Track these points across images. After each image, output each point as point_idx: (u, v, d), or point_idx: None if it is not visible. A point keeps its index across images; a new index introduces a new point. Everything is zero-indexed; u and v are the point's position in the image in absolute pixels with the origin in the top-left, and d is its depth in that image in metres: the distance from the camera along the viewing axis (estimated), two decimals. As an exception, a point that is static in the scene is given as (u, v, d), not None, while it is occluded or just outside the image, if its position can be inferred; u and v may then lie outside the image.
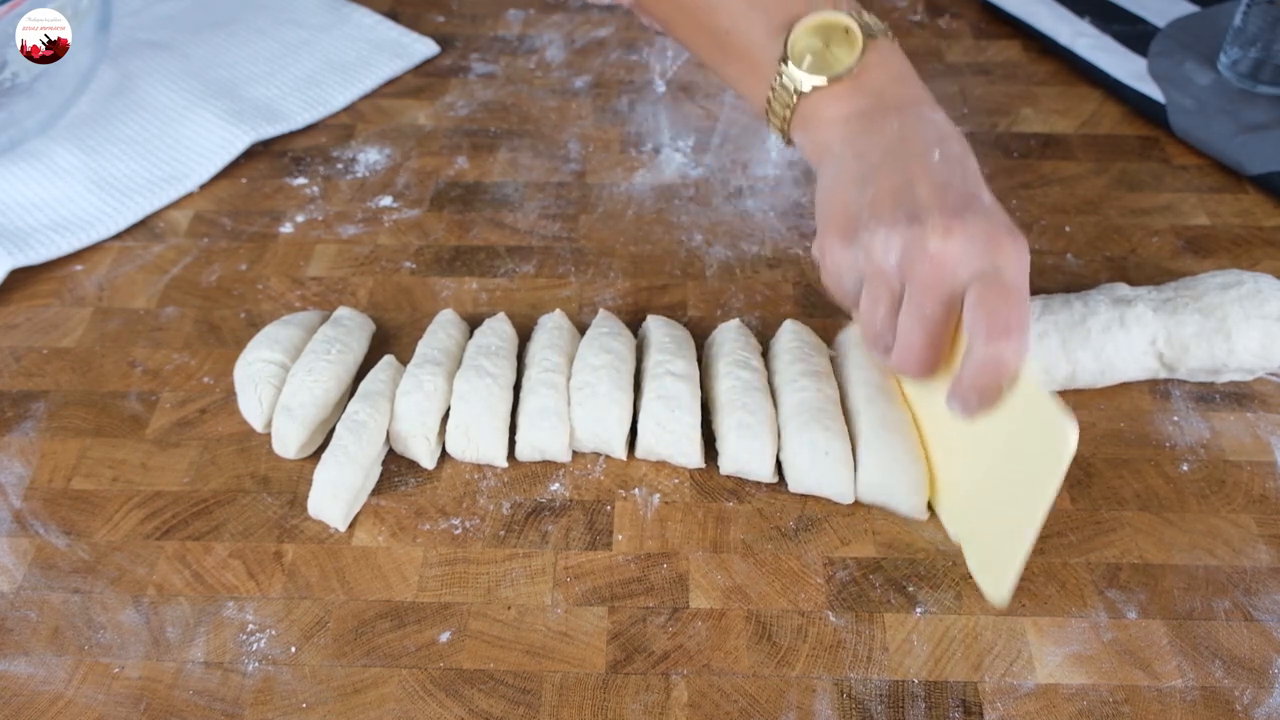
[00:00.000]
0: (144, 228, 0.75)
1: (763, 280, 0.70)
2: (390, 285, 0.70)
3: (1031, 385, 0.46)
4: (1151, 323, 0.59)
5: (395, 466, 0.59)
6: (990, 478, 0.51)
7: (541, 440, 0.57)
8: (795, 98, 0.53)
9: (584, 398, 0.58)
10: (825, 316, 0.67)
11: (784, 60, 0.53)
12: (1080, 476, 0.57)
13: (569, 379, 0.59)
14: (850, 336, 0.62)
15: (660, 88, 0.87)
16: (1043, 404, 0.46)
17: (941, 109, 0.53)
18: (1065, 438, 0.44)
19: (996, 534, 0.51)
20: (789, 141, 0.56)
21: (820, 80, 0.52)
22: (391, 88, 0.88)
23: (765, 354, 0.63)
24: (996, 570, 0.50)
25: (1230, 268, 0.64)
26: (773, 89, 0.54)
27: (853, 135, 0.52)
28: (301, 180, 0.78)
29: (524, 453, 0.58)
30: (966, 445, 0.53)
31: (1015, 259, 0.47)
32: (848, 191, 0.51)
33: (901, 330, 0.49)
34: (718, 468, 0.58)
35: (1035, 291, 0.68)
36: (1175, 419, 0.60)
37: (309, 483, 0.56)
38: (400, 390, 0.59)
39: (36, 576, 0.54)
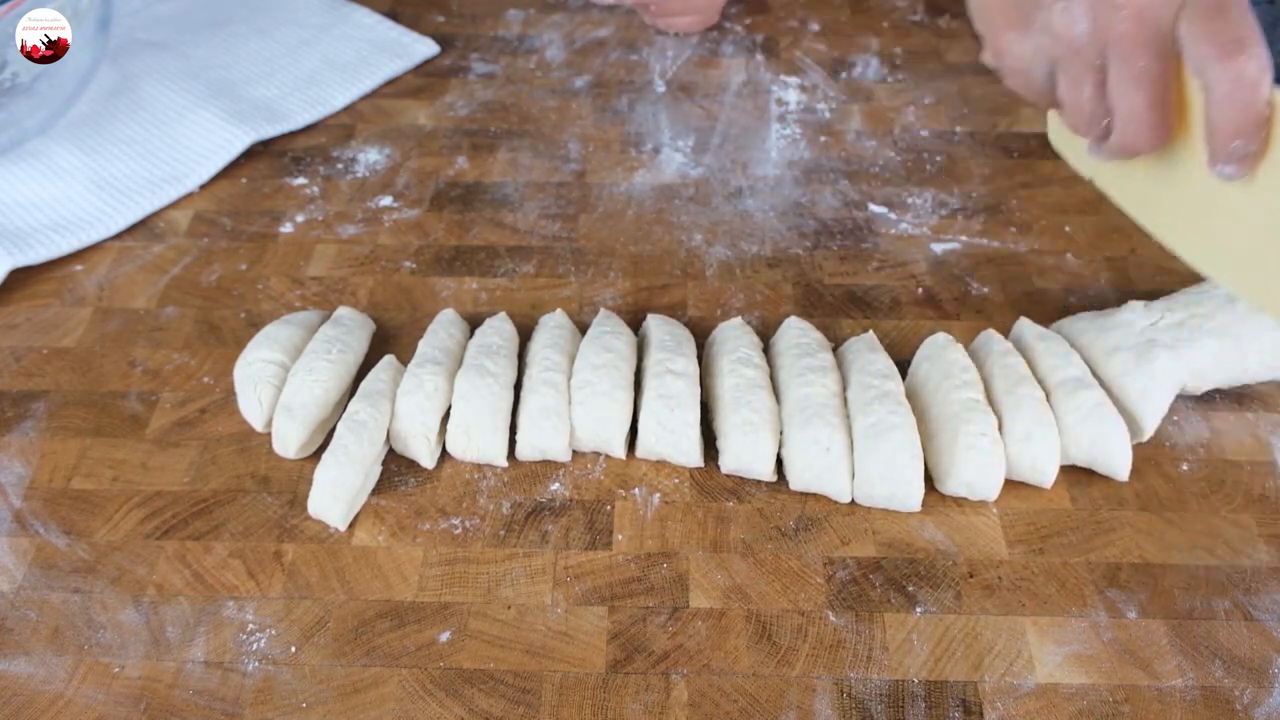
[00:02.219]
0: (144, 228, 0.75)
1: (763, 280, 0.70)
2: (390, 285, 0.70)
3: None
4: (1177, 368, 0.58)
5: (395, 466, 0.59)
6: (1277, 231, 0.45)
7: (542, 440, 0.57)
8: None
9: (585, 396, 0.58)
10: (825, 316, 0.67)
11: None
12: (1080, 476, 0.57)
13: (570, 378, 0.59)
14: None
15: (660, 88, 0.87)
16: None
17: None
18: None
19: None
20: None
21: None
22: (391, 88, 0.88)
23: (766, 351, 0.63)
24: None
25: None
26: None
27: None
28: (301, 180, 0.78)
29: (524, 452, 0.58)
30: (1234, 213, 0.46)
31: None
32: None
33: (1119, 101, 0.44)
34: (718, 467, 0.58)
35: (1033, 293, 0.69)
36: (1175, 419, 0.60)
37: (309, 483, 0.56)
38: (401, 390, 0.59)
39: (36, 576, 0.54)
